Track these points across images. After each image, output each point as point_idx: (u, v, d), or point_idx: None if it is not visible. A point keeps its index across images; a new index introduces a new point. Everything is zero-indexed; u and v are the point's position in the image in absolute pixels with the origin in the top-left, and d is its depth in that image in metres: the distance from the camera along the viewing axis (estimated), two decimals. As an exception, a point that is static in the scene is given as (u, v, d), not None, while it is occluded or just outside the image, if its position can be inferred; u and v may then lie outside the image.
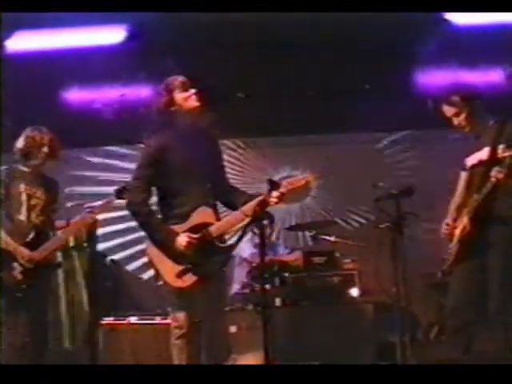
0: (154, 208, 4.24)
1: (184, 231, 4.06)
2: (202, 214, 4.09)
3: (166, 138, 4.17)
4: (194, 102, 4.14)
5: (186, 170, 4.10)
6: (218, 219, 4.14)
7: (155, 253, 4.14)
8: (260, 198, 3.89)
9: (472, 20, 6.34)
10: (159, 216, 4.21)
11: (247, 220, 3.85)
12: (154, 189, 4.22)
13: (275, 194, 3.90)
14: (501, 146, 4.38)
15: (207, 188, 4.13)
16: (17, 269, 4.73)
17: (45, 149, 4.88)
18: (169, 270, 4.08)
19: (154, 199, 4.26)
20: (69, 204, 7.06)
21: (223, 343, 4.18)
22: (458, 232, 4.48)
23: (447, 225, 4.59)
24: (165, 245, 4.08)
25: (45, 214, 4.92)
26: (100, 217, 4.97)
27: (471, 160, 4.58)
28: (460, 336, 4.48)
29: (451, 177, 4.75)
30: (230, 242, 4.10)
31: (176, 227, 4.10)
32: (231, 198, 4.21)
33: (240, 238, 3.82)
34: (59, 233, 4.90)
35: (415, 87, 6.93)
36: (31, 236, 4.80)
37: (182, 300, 4.09)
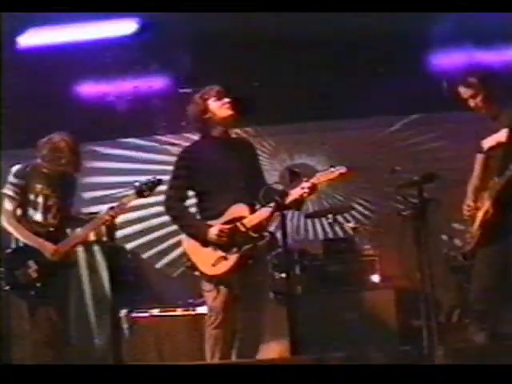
0: (192, 210, 4.45)
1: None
2: (236, 210, 4.25)
3: (200, 143, 4.45)
4: (227, 111, 4.35)
5: (218, 174, 4.29)
6: (252, 214, 4.25)
7: (190, 246, 4.30)
8: (281, 189, 4.03)
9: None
10: (199, 217, 4.41)
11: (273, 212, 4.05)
12: (190, 193, 4.44)
13: (307, 184, 4.04)
14: None
15: (241, 189, 4.28)
16: (32, 267, 4.74)
17: (65, 160, 4.87)
18: (204, 259, 4.23)
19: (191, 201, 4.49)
20: (86, 195, 7.10)
21: (257, 331, 4.29)
22: (480, 215, 4.44)
23: (468, 206, 4.55)
24: (199, 237, 4.24)
25: (61, 212, 4.92)
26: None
27: (488, 142, 4.53)
28: (484, 321, 4.45)
29: (468, 160, 4.71)
30: (263, 232, 4.21)
31: (212, 222, 4.27)
32: (267, 198, 4.25)
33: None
34: (79, 229, 4.90)
35: (430, 69, 6.84)
36: (48, 234, 4.82)
37: (218, 287, 4.20)
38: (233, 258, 4.17)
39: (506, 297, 4.45)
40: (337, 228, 6.46)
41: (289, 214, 6.65)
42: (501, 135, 4.43)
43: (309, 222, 7.18)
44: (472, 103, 4.55)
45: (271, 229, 4.34)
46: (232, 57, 6.58)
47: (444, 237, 6.03)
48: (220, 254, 4.19)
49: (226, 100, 4.35)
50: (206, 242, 4.22)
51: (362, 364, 3.48)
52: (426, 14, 6.05)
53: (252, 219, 4.18)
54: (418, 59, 6.77)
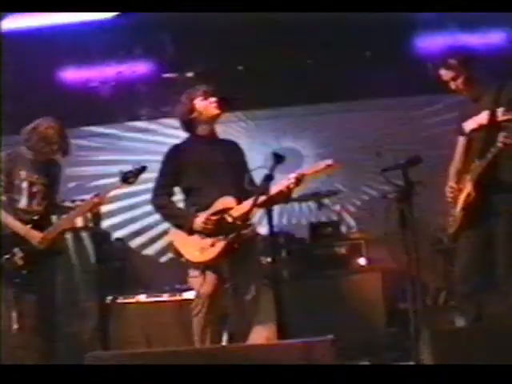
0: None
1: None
2: (223, 202, 4.29)
3: (188, 142, 4.53)
4: (214, 110, 4.43)
5: (204, 170, 4.36)
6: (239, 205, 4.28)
7: (177, 236, 4.35)
8: (266, 173, 3.91)
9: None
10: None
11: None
12: (177, 189, 4.50)
13: (293, 175, 4.12)
14: (500, 109, 4.34)
15: (228, 185, 4.32)
16: (18, 254, 4.72)
17: (55, 146, 4.85)
18: (191, 248, 4.27)
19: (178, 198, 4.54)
20: (70, 184, 7.06)
21: (246, 316, 4.32)
22: (461, 198, 4.44)
23: (451, 187, 4.55)
24: (185, 227, 4.29)
25: (46, 199, 4.89)
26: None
27: (470, 124, 4.52)
28: (470, 302, 4.47)
29: (453, 142, 4.71)
30: (250, 222, 4.26)
31: (199, 214, 4.30)
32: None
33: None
34: (65, 217, 4.87)
35: (416, 53, 6.84)
36: (33, 221, 4.78)
37: (205, 273, 4.22)
38: (220, 245, 4.20)
39: (490, 279, 4.46)
40: (323, 211, 6.46)
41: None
42: (482, 117, 4.42)
43: (295, 206, 7.18)
44: (453, 85, 4.52)
45: (257, 216, 4.35)
46: (216, 41, 6.55)
47: (430, 219, 6.05)
48: (207, 241, 4.22)
49: (213, 99, 4.42)
50: (192, 232, 4.26)
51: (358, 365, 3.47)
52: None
53: (239, 209, 4.20)
54: (403, 43, 6.78)
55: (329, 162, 4.15)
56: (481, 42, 6.65)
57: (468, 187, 4.38)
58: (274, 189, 4.04)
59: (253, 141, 7.56)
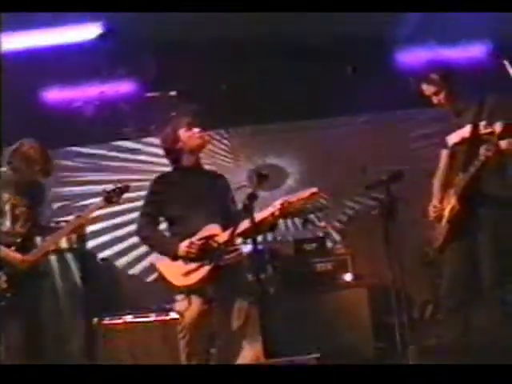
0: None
1: None
2: (208, 229, 4.27)
3: (173, 172, 4.54)
4: (197, 140, 4.45)
5: (190, 200, 4.35)
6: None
7: (162, 261, 4.33)
8: (249, 192, 3.98)
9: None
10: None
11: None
12: (161, 219, 4.48)
13: (278, 202, 4.12)
14: (482, 123, 4.38)
15: (215, 213, 4.32)
16: (1, 278, 4.66)
17: (37, 167, 4.81)
18: (174, 271, 4.23)
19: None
20: (55, 205, 7.04)
21: (233, 336, 4.26)
22: (446, 212, 4.46)
23: (435, 207, 4.57)
24: (169, 252, 4.28)
25: (30, 221, 4.85)
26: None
27: (453, 138, 4.55)
28: (456, 316, 4.48)
29: (433, 156, 4.74)
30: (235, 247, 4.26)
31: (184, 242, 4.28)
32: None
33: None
34: (48, 239, 4.83)
35: (396, 68, 6.88)
36: (17, 243, 4.75)
37: (190, 296, 4.19)
38: (204, 269, 4.17)
39: (476, 292, 4.47)
40: (308, 227, 6.46)
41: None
42: (464, 131, 4.45)
43: (280, 221, 7.15)
44: (435, 100, 4.56)
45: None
46: (199, 59, 6.56)
47: (415, 232, 6.07)
48: (191, 266, 4.20)
49: (196, 130, 4.45)
50: (176, 257, 4.24)
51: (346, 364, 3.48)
52: (390, 14, 6.11)
53: (224, 236, 4.18)
54: (386, 57, 6.82)
55: (314, 190, 4.15)
56: (461, 55, 6.71)
57: (452, 201, 4.41)
58: (259, 216, 4.07)
59: (237, 157, 7.58)
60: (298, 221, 6.61)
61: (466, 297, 4.47)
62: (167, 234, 4.48)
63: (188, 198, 4.36)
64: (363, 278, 6.12)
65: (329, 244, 6.42)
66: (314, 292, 5.94)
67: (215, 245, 4.18)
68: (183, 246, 4.21)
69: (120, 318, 5.59)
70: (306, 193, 4.13)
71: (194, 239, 4.22)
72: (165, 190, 4.43)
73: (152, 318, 5.54)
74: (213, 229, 4.26)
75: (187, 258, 4.20)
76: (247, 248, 4.70)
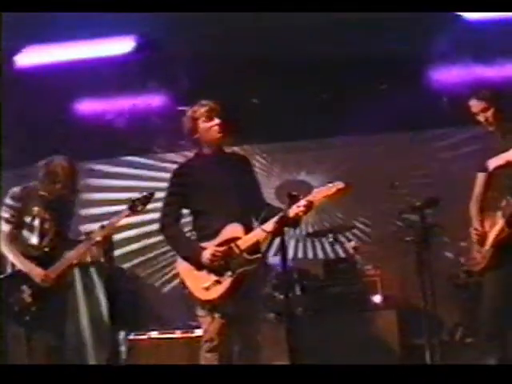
0: (188, 229, 4.38)
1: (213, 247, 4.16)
2: (230, 230, 4.17)
3: (193, 162, 4.40)
4: (215, 134, 4.28)
5: (213, 192, 4.22)
6: (247, 234, 4.15)
7: (185, 268, 4.24)
8: (280, 214, 3.87)
9: (484, 15, 6.22)
10: (194, 237, 4.34)
11: (268, 235, 3.97)
12: (185, 211, 4.36)
13: (303, 202, 3.90)
14: None
15: (237, 207, 4.19)
16: (26, 292, 4.67)
17: (63, 184, 4.81)
18: (198, 283, 4.16)
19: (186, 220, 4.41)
20: (83, 212, 7.05)
21: (255, 354, 4.21)
22: (491, 236, 4.36)
23: (476, 230, 4.45)
24: (193, 259, 4.18)
25: (58, 235, 4.86)
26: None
27: (497, 161, 4.44)
28: (495, 342, 4.36)
29: (471, 178, 4.65)
30: (257, 255, 4.09)
31: (206, 244, 4.19)
32: (264, 215, 4.10)
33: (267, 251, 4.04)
34: (72, 252, 4.81)
35: (431, 85, 6.79)
36: (44, 258, 4.76)
37: (212, 312, 4.13)
38: (226, 282, 4.09)
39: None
40: (337, 247, 6.39)
41: (290, 233, 6.64)
42: (510, 154, 4.37)
43: (309, 241, 7.11)
44: (483, 117, 4.47)
45: (271, 248, 4.23)
46: (231, 73, 6.55)
47: (448, 254, 5.98)
48: (213, 277, 4.12)
49: (216, 121, 4.26)
50: (199, 265, 4.15)
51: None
52: (426, 31, 6.04)
53: (246, 240, 4.09)
54: (419, 75, 6.74)
55: (340, 184, 3.90)
56: (500, 75, 6.60)
57: (499, 224, 4.32)
58: (279, 217, 3.88)
59: (268, 175, 7.53)
60: (328, 240, 6.50)
61: (506, 324, 4.34)
62: (190, 228, 4.36)
63: (210, 190, 4.22)
64: (393, 300, 6.03)
65: (358, 264, 6.32)
66: (343, 313, 5.87)
67: (237, 251, 4.08)
68: (207, 255, 4.11)
69: (145, 334, 5.56)
70: (333, 188, 3.89)
71: (216, 246, 4.12)
72: (186, 182, 4.29)
73: (177, 334, 5.49)
74: (235, 230, 4.15)
75: (210, 268, 4.12)
76: (275, 262, 4.55)
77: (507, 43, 6.19)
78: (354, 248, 6.23)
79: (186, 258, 4.23)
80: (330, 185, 3.90)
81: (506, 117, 4.44)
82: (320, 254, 7.05)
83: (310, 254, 6.96)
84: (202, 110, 4.30)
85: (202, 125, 4.28)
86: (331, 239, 6.26)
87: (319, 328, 5.67)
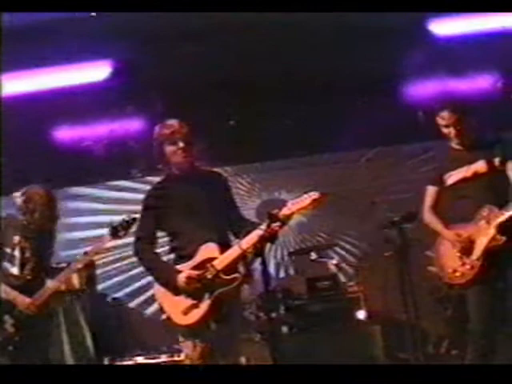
0: (166, 251, 4.29)
1: (188, 269, 4.07)
2: (205, 250, 4.08)
3: (164, 183, 4.30)
4: (180, 158, 4.15)
5: (186, 212, 4.13)
6: (223, 253, 4.06)
7: (162, 293, 4.15)
8: (259, 233, 3.81)
9: (456, 29, 6.33)
10: (170, 259, 4.25)
11: (245, 253, 3.90)
12: (160, 233, 4.27)
13: (280, 215, 3.80)
14: (497, 159, 4.38)
15: (212, 225, 4.11)
16: (8, 322, 4.63)
17: (42, 213, 4.80)
18: (175, 308, 4.07)
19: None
20: (66, 237, 7.02)
21: None
22: (481, 244, 4.32)
23: (459, 241, 4.39)
24: (169, 283, 4.09)
25: (39, 264, 4.83)
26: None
27: (461, 174, 4.49)
28: (484, 352, 4.34)
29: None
30: (235, 275, 3.98)
31: (182, 266, 4.10)
32: (242, 229, 4.07)
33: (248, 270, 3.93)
34: (54, 281, 4.76)
35: (406, 100, 6.87)
36: (26, 286, 4.72)
37: (192, 337, 4.05)
38: (204, 306, 4.01)
39: (505, 328, 4.37)
40: (320, 265, 6.40)
41: (272, 252, 6.66)
42: (479, 166, 4.42)
43: (293, 259, 7.12)
44: (449, 130, 4.51)
45: (253, 266, 4.07)
46: (207, 96, 6.58)
47: (429, 268, 6.00)
48: (191, 301, 4.03)
49: (180, 145, 4.12)
50: (176, 290, 4.06)
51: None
52: (398, 47, 6.12)
53: (222, 260, 4.00)
54: (395, 91, 6.81)
55: (315, 195, 3.79)
56: (472, 88, 6.69)
57: (490, 232, 4.31)
58: (256, 234, 3.83)
59: (249, 195, 7.55)
60: (310, 258, 6.52)
61: (494, 334, 4.34)
62: (166, 249, 4.28)
63: (184, 209, 4.13)
64: (376, 315, 6.05)
65: (341, 281, 6.35)
66: (328, 330, 5.87)
67: (214, 271, 3.98)
68: (182, 279, 4.01)
69: (130, 360, 5.53)
70: (308, 199, 3.79)
71: (192, 267, 4.03)
72: (158, 204, 4.19)
73: (162, 359, 5.46)
74: (210, 250, 4.06)
75: (186, 292, 4.02)
76: (258, 282, 4.53)
77: (478, 57, 6.30)
78: (337, 265, 6.25)
79: (161, 284, 4.14)
80: (306, 195, 3.81)
81: (472, 131, 4.48)
82: (303, 272, 7.05)
83: (293, 273, 6.96)
84: (166, 132, 4.18)
85: (167, 148, 4.17)
86: (314, 257, 6.28)
87: (304, 346, 5.67)
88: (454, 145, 4.55)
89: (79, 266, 4.71)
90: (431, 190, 4.63)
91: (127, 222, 4.59)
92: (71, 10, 5.19)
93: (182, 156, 4.14)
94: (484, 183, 4.40)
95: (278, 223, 3.79)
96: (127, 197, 7.68)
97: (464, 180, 4.48)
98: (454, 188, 4.53)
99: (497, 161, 4.39)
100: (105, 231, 4.70)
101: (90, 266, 4.85)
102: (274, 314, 5.71)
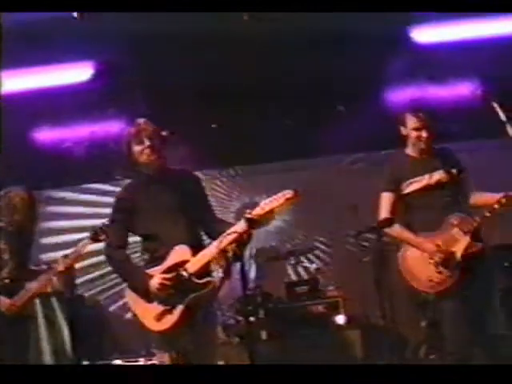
0: (137, 254, 4.26)
1: (160, 273, 3.97)
2: (177, 253, 3.98)
3: (133, 185, 4.22)
4: (146, 157, 4.05)
5: (157, 213, 4.05)
6: (195, 255, 3.97)
7: (133, 298, 4.06)
8: (233, 234, 3.75)
9: (435, 37, 6.37)
10: (143, 261, 4.19)
11: (218, 254, 3.81)
12: (132, 237, 4.18)
13: (249, 216, 3.75)
14: (453, 170, 4.41)
15: (183, 226, 4.03)
16: None
17: (22, 215, 4.80)
18: (147, 314, 3.98)
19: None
20: (43, 241, 6.98)
21: None
22: (458, 252, 4.31)
23: (438, 246, 4.36)
24: (140, 289, 3.99)
25: (18, 266, 4.81)
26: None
27: (424, 180, 4.47)
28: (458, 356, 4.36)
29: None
30: (208, 278, 3.91)
31: (154, 270, 4.01)
32: (216, 230, 4.00)
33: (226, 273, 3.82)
34: (34, 282, 4.76)
35: (387, 106, 6.90)
36: (5, 289, 4.70)
37: (165, 343, 3.97)
38: (178, 311, 3.91)
39: (480, 338, 4.38)
40: (299, 269, 6.42)
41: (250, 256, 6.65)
42: (439, 175, 4.44)
43: (272, 264, 7.12)
44: (416, 134, 4.44)
45: (231, 270, 3.94)
46: (189, 99, 6.58)
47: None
48: (163, 307, 3.93)
49: (146, 144, 4.01)
50: (148, 295, 3.96)
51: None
52: (380, 54, 6.15)
53: (195, 263, 3.91)
54: (375, 97, 6.84)
55: (288, 193, 3.71)
56: (448, 93, 6.74)
57: (464, 240, 4.32)
58: (229, 235, 3.76)
59: (229, 198, 7.56)
60: (289, 262, 6.54)
61: (469, 343, 4.33)
62: (139, 252, 4.23)
63: (154, 210, 4.04)
64: (356, 320, 6.07)
65: (321, 286, 6.36)
66: (307, 335, 5.88)
67: (186, 275, 3.89)
68: (155, 284, 3.91)
69: (109, 362, 5.51)
70: (282, 198, 3.70)
71: (164, 271, 3.93)
72: (128, 206, 4.10)
73: (141, 362, 5.44)
74: (182, 252, 3.96)
75: (159, 298, 3.93)
76: (236, 286, 4.45)
77: (459, 64, 6.34)
78: (316, 269, 6.27)
79: (133, 289, 4.04)
80: (279, 194, 3.74)
81: (435, 140, 4.47)
82: (283, 276, 7.06)
83: (273, 276, 6.96)
84: (132, 131, 4.09)
85: (134, 148, 4.07)
86: (293, 261, 6.30)
87: (283, 350, 5.68)
88: (410, 152, 4.53)
89: (60, 268, 4.71)
90: (387, 197, 4.56)
91: (107, 226, 4.59)
92: (56, 10, 5.17)
93: (149, 155, 4.04)
94: (449, 192, 4.41)
95: (251, 224, 3.73)
96: (107, 200, 7.64)
97: (426, 188, 4.47)
98: (414, 196, 4.49)
99: (454, 171, 4.42)
100: (85, 235, 4.70)
101: (71, 269, 4.80)
102: (252, 318, 5.71)
